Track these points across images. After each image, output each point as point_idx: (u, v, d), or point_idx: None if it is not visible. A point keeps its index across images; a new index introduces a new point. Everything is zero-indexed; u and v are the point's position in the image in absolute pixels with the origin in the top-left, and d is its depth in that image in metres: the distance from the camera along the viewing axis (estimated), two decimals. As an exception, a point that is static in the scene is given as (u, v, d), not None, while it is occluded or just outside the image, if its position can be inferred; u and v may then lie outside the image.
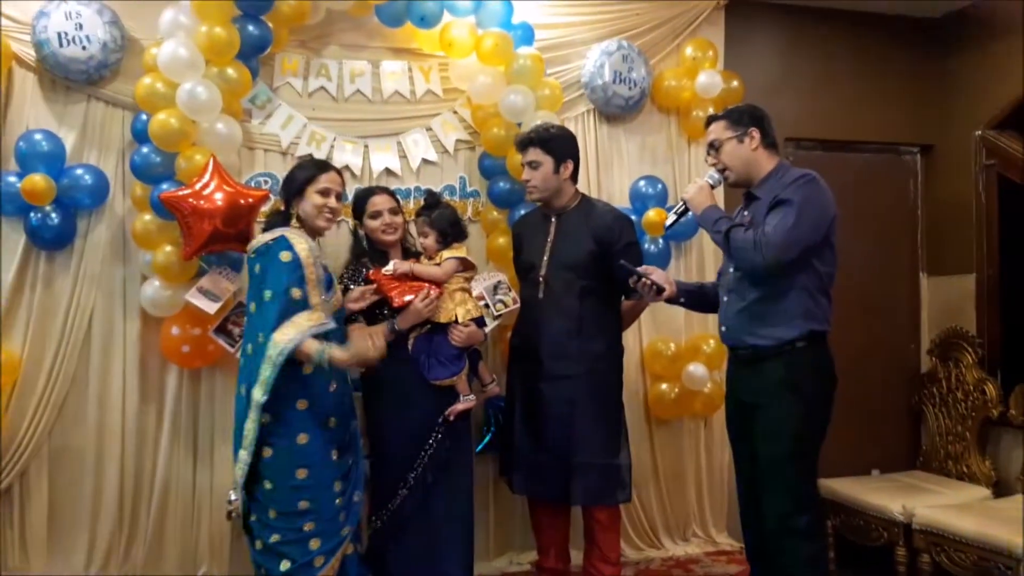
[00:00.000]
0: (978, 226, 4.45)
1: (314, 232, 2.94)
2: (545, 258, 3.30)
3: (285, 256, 2.75)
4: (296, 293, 2.73)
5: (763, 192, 2.87)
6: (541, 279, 3.29)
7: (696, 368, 3.96)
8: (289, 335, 2.67)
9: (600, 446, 3.22)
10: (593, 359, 3.25)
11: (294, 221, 2.91)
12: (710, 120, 3.01)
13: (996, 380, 4.16)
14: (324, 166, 3.00)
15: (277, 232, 2.83)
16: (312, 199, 2.90)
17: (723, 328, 3.01)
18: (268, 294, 2.72)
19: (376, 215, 3.24)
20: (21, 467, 3.34)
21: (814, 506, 2.86)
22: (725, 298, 3.00)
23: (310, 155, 3.56)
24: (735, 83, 4.10)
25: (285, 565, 2.73)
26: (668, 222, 3.09)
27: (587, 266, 3.24)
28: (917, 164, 4.83)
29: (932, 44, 4.70)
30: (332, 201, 2.94)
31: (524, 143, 3.29)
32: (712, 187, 2.96)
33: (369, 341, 2.89)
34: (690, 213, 2.99)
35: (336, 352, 2.71)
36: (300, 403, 2.75)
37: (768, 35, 4.50)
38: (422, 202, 3.42)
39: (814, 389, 2.85)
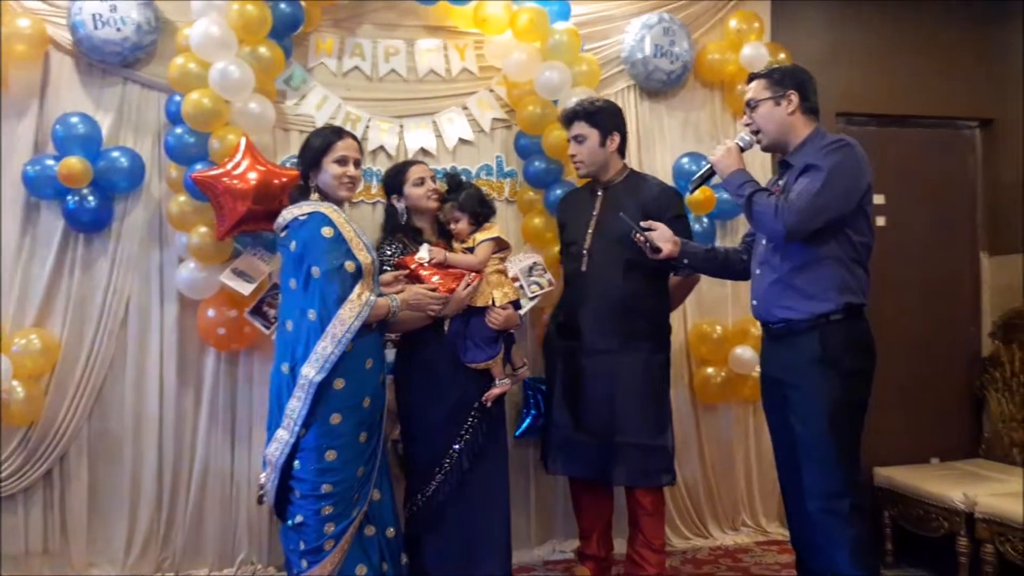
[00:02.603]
0: (1043, 202, 4.23)
1: (336, 203, 2.88)
2: (590, 231, 3.21)
3: (327, 232, 2.72)
4: (350, 266, 2.71)
5: (796, 159, 2.71)
6: (585, 252, 3.20)
7: (744, 351, 3.83)
8: (355, 310, 2.67)
9: (643, 425, 3.11)
10: (637, 335, 3.15)
11: (314, 194, 2.84)
12: (751, 77, 2.85)
13: (1064, 362, 3.95)
14: (339, 132, 2.92)
15: (306, 207, 2.78)
16: (330, 169, 2.84)
17: (754, 302, 2.87)
18: (317, 271, 2.68)
19: (420, 182, 3.20)
20: (61, 451, 3.35)
21: (857, 489, 2.68)
22: (757, 271, 2.85)
23: (326, 124, 3.39)
24: (782, 56, 3.95)
25: (301, 546, 2.71)
26: (692, 185, 2.98)
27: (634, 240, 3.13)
28: (976, 139, 4.60)
29: (991, 15, 4.47)
30: (351, 169, 2.87)
31: (569, 117, 3.22)
32: (742, 149, 2.82)
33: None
34: (715, 177, 2.86)
35: (399, 298, 2.86)
36: (337, 382, 2.69)
37: (818, 6, 4.33)
38: (444, 184, 3.33)
39: (851, 365, 2.66)
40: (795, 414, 2.70)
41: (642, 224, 2.99)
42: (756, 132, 2.79)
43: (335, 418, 2.69)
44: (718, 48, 3.97)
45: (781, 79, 2.75)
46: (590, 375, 3.14)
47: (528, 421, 3.67)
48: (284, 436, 2.70)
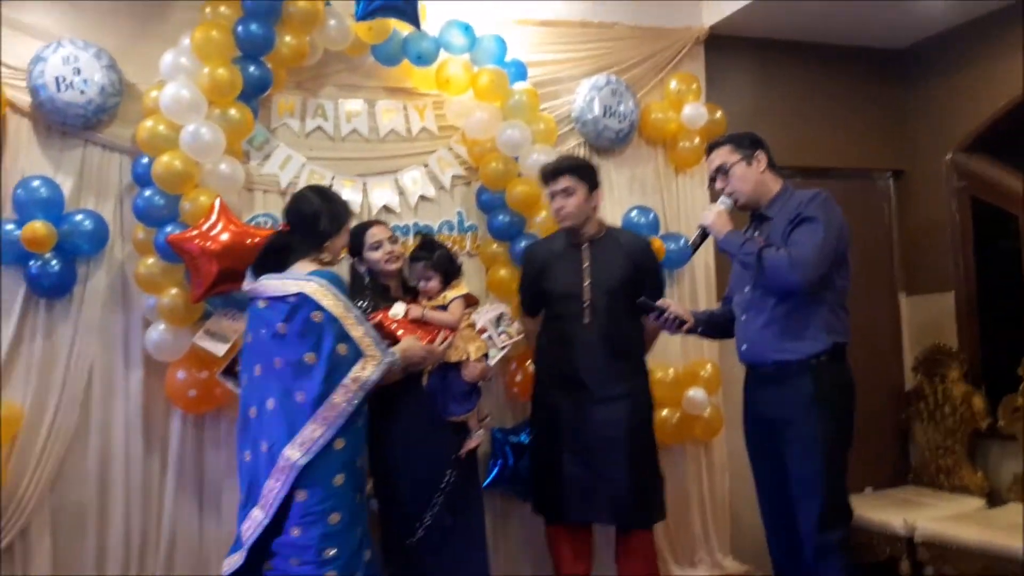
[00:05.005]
0: (953, 246, 4.61)
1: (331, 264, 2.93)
2: (586, 284, 3.32)
3: (317, 317, 2.67)
4: (342, 349, 2.68)
5: (775, 212, 2.92)
6: (587, 304, 3.31)
7: (696, 393, 4.00)
8: (348, 395, 2.65)
9: (647, 467, 3.32)
10: (636, 379, 3.36)
11: (325, 255, 2.85)
12: (712, 146, 3.06)
13: (982, 393, 4.29)
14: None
15: (292, 286, 2.70)
16: (344, 239, 2.94)
17: (743, 347, 3.02)
18: (312, 357, 2.65)
19: (377, 246, 3.22)
20: (23, 524, 3.21)
21: (848, 520, 2.89)
22: (743, 317, 3.01)
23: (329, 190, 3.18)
24: (718, 114, 4.22)
25: None
26: (692, 249, 3.15)
27: (626, 289, 3.28)
28: (890, 189, 4.99)
29: (899, 73, 4.89)
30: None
31: (556, 172, 3.32)
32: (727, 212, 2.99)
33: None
34: (709, 237, 3.03)
35: (396, 350, 2.85)
36: (337, 442, 2.65)
37: (745, 68, 4.64)
38: (416, 242, 3.40)
39: (841, 402, 2.88)
40: (791, 452, 2.87)
41: (658, 303, 3.08)
42: (731, 194, 2.98)
43: (338, 479, 2.64)
44: (660, 108, 4.19)
45: (743, 141, 2.98)
46: (601, 422, 3.24)
47: (496, 471, 3.73)
48: (259, 516, 2.63)
